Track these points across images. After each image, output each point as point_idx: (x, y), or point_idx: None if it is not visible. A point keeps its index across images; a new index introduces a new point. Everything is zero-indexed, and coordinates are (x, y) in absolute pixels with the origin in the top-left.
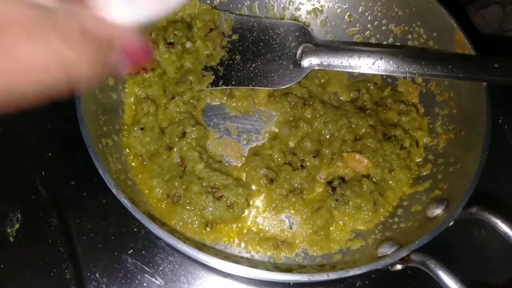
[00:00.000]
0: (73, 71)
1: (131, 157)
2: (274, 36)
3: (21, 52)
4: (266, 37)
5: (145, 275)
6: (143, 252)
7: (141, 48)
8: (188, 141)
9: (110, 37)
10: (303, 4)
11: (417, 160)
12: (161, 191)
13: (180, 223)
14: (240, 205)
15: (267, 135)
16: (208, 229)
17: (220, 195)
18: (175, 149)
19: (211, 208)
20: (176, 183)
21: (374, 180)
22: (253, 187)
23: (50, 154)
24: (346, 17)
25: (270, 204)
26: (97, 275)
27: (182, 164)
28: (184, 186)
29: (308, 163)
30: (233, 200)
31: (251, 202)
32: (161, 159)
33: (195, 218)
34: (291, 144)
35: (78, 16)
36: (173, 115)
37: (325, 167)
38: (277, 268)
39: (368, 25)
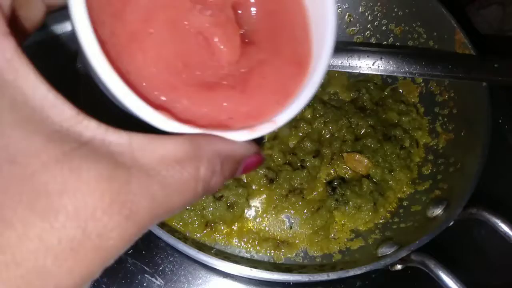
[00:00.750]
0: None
1: None
2: None
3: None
4: None
5: (145, 275)
6: (143, 252)
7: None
8: None
9: (242, 156)
10: None
11: (417, 160)
12: None
13: (180, 223)
14: (240, 205)
15: (267, 135)
16: (208, 229)
17: (220, 195)
18: None
19: (211, 208)
20: None
21: (374, 180)
22: (253, 186)
23: None
24: (346, 17)
25: (270, 204)
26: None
27: None
28: None
29: (308, 163)
30: (233, 200)
31: (251, 203)
32: None
33: (195, 218)
34: (291, 144)
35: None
36: None
37: (325, 167)
38: (277, 268)
39: (368, 25)
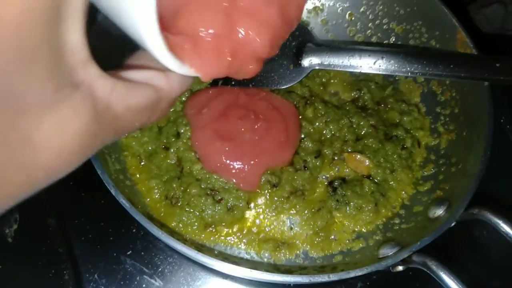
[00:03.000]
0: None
1: (129, 157)
2: None
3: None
4: None
5: (144, 276)
6: (142, 253)
7: None
8: (184, 141)
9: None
10: None
11: (419, 161)
12: (159, 192)
13: (180, 225)
14: (240, 209)
15: None
16: (207, 230)
17: (220, 197)
18: (172, 150)
19: (210, 211)
20: (175, 185)
21: (375, 180)
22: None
23: None
24: (347, 16)
25: (270, 205)
26: (95, 276)
27: (179, 165)
28: (182, 188)
29: (310, 164)
30: (233, 203)
31: (251, 205)
32: (159, 159)
33: (194, 219)
34: None
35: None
36: (168, 114)
37: (327, 167)
38: (277, 269)
39: (369, 24)
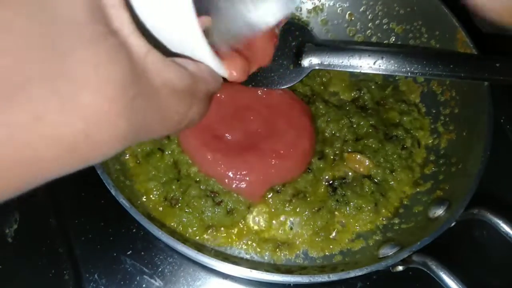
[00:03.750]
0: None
1: (127, 156)
2: None
3: None
4: None
5: (144, 276)
6: (142, 253)
7: None
8: (176, 143)
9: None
10: (304, 3)
11: (419, 161)
12: (158, 193)
13: (180, 226)
14: (240, 212)
15: None
16: (207, 231)
17: (220, 200)
18: (167, 152)
19: (210, 213)
20: (174, 186)
21: (375, 180)
22: None
23: None
24: (347, 16)
25: (272, 208)
26: (95, 276)
27: (177, 167)
28: (182, 189)
29: (314, 166)
30: (233, 206)
31: (252, 209)
32: (156, 160)
33: (194, 221)
34: None
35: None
36: None
37: (328, 167)
38: (277, 269)
39: (369, 24)
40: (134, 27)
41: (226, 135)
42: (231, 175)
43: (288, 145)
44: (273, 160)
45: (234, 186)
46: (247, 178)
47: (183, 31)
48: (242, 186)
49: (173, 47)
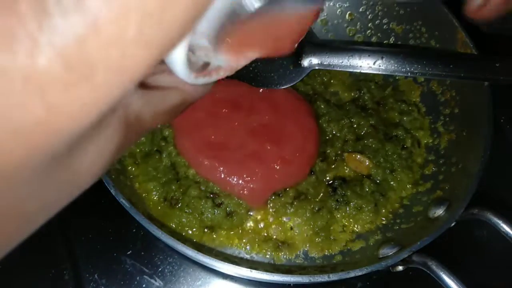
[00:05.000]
0: None
1: (126, 157)
2: None
3: None
4: None
5: (144, 276)
6: (142, 253)
7: None
8: (173, 145)
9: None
10: None
11: (419, 161)
12: (158, 194)
13: (180, 227)
14: (240, 216)
15: None
16: (207, 231)
17: (220, 201)
18: (164, 154)
19: (210, 214)
20: (173, 187)
21: (375, 180)
22: None
23: None
24: (346, 16)
25: (272, 210)
26: (95, 276)
27: (175, 169)
28: (181, 190)
29: (317, 167)
30: (233, 209)
31: (252, 212)
32: (155, 160)
33: (194, 221)
34: None
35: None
36: None
37: (329, 168)
38: (277, 269)
39: (369, 24)
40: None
41: (225, 139)
42: (232, 182)
43: (294, 149)
44: (277, 166)
45: (235, 192)
46: (250, 185)
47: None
48: (244, 192)
49: None
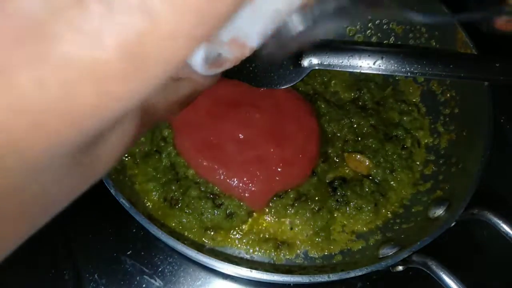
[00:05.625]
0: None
1: (126, 157)
2: None
3: None
4: None
5: (144, 276)
6: (142, 253)
7: None
8: (172, 146)
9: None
10: None
11: (419, 161)
12: (158, 194)
13: (180, 227)
14: (240, 217)
15: None
16: (207, 231)
17: (220, 202)
18: (163, 155)
19: (209, 215)
20: (173, 187)
21: (375, 180)
22: None
23: None
24: None
25: (273, 212)
26: (95, 276)
27: (174, 169)
28: (181, 190)
29: (319, 169)
30: (233, 210)
31: (252, 214)
32: (154, 161)
33: (194, 222)
34: None
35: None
36: None
37: (331, 169)
38: (277, 269)
39: (369, 24)
40: None
41: (225, 139)
42: (232, 184)
43: (296, 151)
44: (279, 168)
45: (235, 194)
46: (250, 188)
47: None
48: (244, 195)
49: None
